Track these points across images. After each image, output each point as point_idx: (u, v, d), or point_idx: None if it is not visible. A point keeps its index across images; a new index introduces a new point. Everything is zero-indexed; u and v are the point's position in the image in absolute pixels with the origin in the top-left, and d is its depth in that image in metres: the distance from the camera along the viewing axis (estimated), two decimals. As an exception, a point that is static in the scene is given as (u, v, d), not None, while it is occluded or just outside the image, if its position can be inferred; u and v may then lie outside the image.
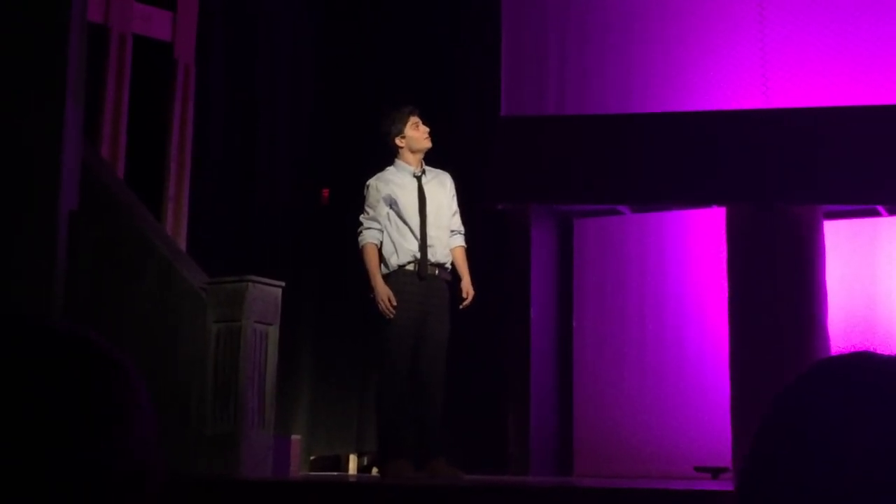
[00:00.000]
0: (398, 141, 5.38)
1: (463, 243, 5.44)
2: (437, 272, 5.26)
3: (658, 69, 7.24)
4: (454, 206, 5.45)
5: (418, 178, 5.34)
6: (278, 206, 7.32)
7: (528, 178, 6.79)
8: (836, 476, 0.83)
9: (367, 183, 5.37)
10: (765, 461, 0.88)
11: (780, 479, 0.86)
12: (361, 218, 5.33)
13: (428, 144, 5.38)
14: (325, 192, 7.68)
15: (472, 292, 5.33)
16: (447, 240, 5.34)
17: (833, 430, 0.85)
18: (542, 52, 7.55)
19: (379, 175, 5.38)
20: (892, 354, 0.92)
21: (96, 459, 0.85)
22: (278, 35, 7.57)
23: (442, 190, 5.38)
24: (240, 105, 7.30)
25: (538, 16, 7.60)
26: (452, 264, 5.39)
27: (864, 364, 0.90)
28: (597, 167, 6.79)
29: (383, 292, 5.15)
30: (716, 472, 6.34)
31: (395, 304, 5.14)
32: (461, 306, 5.31)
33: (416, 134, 5.36)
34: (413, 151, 5.37)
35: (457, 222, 5.45)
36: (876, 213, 6.69)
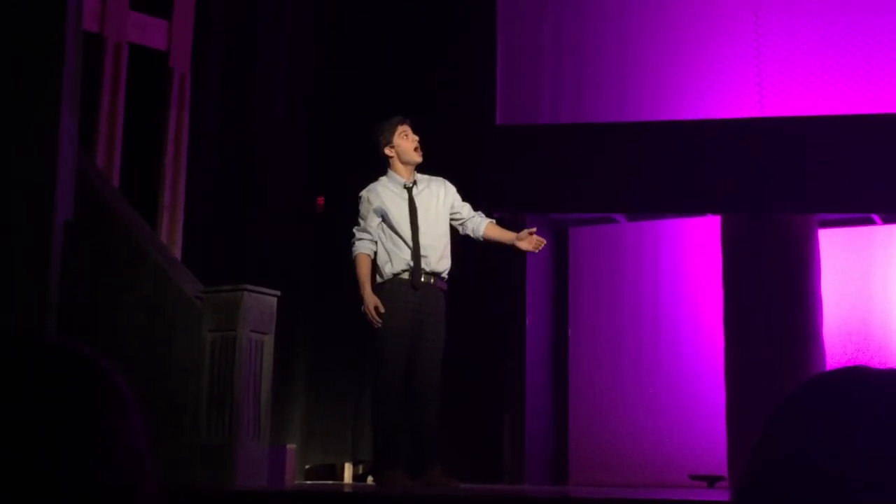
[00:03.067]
0: (387, 151, 5.39)
1: (489, 219, 5.44)
2: (431, 280, 5.27)
3: (653, 78, 7.25)
4: (456, 204, 5.43)
5: (409, 189, 5.35)
6: (274, 214, 7.31)
7: (523, 187, 6.79)
8: (832, 492, 0.83)
9: (360, 195, 5.39)
10: (761, 477, 0.88)
11: (776, 495, 0.86)
12: (354, 229, 5.36)
13: (417, 158, 5.38)
14: (321, 200, 7.68)
15: (525, 233, 5.32)
16: (442, 248, 5.33)
17: (828, 445, 0.85)
18: (538, 61, 7.57)
19: (370, 186, 5.39)
20: (886, 368, 0.92)
21: (85, 474, 0.84)
22: (274, 44, 7.57)
23: (434, 199, 5.37)
24: (235, 114, 7.29)
25: (533, 24, 7.62)
26: (486, 239, 5.38)
27: (858, 379, 0.90)
28: (592, 175, 6.79)
29: (370, 302, 5.17)
30: (711, 481, 6.34)
31: (382, 312, 5.14)
32: (531, 235, 5.29)
33: (404, 144, 5.37)
34: (402, 162, 5.38)
35: (468, 211, 5.45)
36: (871, 222, 6.70)
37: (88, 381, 0.89)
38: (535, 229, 5.38)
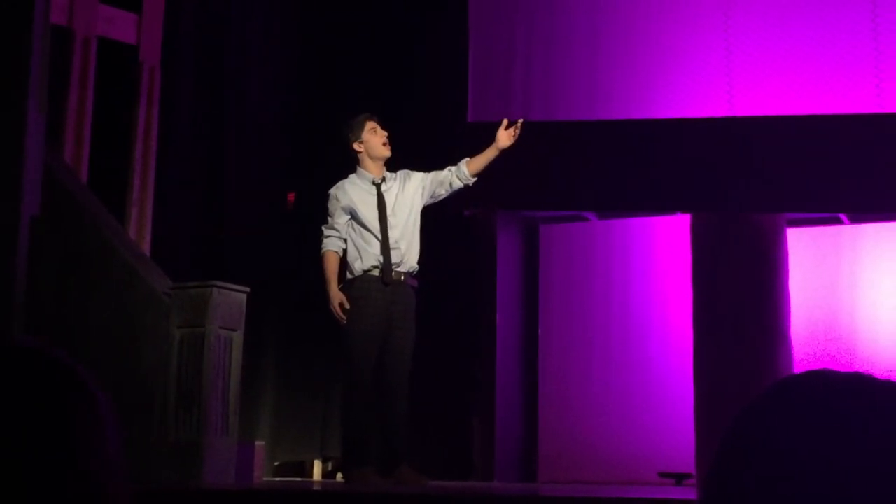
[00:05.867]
0: (357, 147, 5.39)
1: (463, 160, 5.39)
2: (402, 278, 5.26)
3: (623, 76, 7.28)
4: (427, 181, 5.40)
5: (378, 185, 5.34)
6: (243, 210, 7.28)
7: (494, 184, 6.79)
8: (796, 495, 0.83)
9: (328, 192, 5.39)
10: (725, 482, 0.88)
11: (740, 498, 0.86)
12: (323, 227, 5.35)
13: (386, 152, 5.38)
14: (291, 197, 7.66)
15: (500, 132, 5.29)
16: (410, 238, 5.32)
17: (791, 449, 0.85)
18: (509, 59, 7.57)
19: (339, 184, 5.39)
20: (850, 371, 0.92)
21: (55, 480, 0.83)
22: (246, 38, 7.53)
23: (401, 191, 5.37)
24: (206, 109, 7.25)
25: (505, 23, 7.62)
26: (475, 174, 5.34)
27: (822, 383, 0.90)
28: (562, 173, 6.81)
29: (335, 298, 5.17)
30: (679, 478, 6.38)
31: (347, 308, 5.14)
32: (505, 129, 5.28)
33: (374, 139, 5.37)
34: (372, 158, 5.38)
35: (442, 173, 5.40)
36: (838, 221, 6.76)
37: (61, 386, 0.88)
38: (505, 121, 5.36)
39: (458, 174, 5.38)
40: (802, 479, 0.84)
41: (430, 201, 5.45)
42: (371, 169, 5.38)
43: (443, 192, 5.44)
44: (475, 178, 5.40)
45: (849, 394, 0.89)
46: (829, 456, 0.84)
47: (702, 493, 0.90)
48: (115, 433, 0.91)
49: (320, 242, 5.35)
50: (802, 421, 0.87)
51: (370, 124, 5.40)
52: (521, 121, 5.34)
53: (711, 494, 0.88)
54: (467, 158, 5.40)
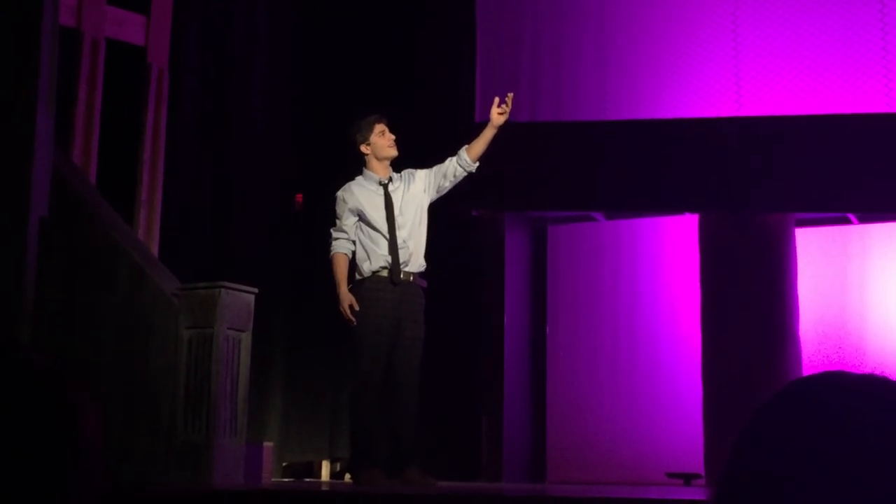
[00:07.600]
0: (364, 148, 5.39)
1: (462, 148, 5.38)
2: (411, 278, 5.26)
3: (632, 77, 7.27)
4: (432, 176, 5.39)
5: (385, 186, 5.34)
6: (252, 211, 7.29)
7: (502, 185, 6.80)
8: (810, 496, 0.83)
9: (336, 195, 5.39)
10: (739, 481, 0.88)
11: (754, 501, 0.86)
12: (331, 229, 5.35)
13: (393, 153, 5.37)
14: (299, 198, 7.66)
15: (492, 111, 5.29)
16: (418, 238, 5.32)
17: (806, 451, 0.85)
18: (517, 60, 7.57)
19: (346, 186, 5.39)
20: (863, 373, 0.92)
21: (29, 496, 0.83)
22: (253, 39, 7.54)
23: (408, 191, 5.37)
24: (213, 110, 7.26)
25: (513, 24, 7.63)
26: (476, 159, 5.33)
27: (836, 384, 0.90)
28: (570, 174, 6.81)
29: (345, 299, 5.16)
30: (688, 479, 6.37)
31: (357, 309, 5.13)
32: (496, 107, 5.29)
33: (381, 141, 5.36)
34: (379, 159, 5.38)
35: (444, 163, 5.39)
36: (847, 221, 6.75)
37: (40, 404, 0.87)
38: (497, 99, 5.34)
39: (460, 162, 5.37)
40: (817, 479, 0.83)
41: (436, 196, 5.44)
42: (377, 170, 5.39)
43: (447, 185, 5.43)
44: (477, 163, 5.39)
45: (863, 395, 0.88)
46: (843, 457, 0.84)
47: (715, 493, 0.90)
48: (96, 450, 0.90)
49: (328, 245, 5.35)
50: (817, 422, 0.86)
51: (379, 127, 5.39)
52: (510, 94, 5.33)
53: (725, 494, 0.88)
54: (466, 146, 5.39)
